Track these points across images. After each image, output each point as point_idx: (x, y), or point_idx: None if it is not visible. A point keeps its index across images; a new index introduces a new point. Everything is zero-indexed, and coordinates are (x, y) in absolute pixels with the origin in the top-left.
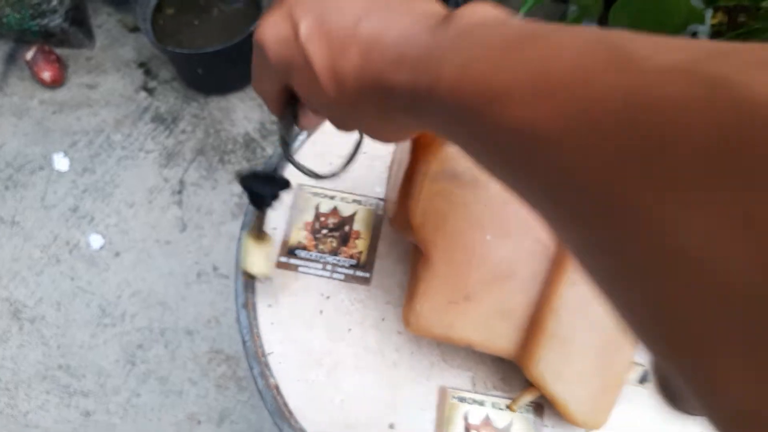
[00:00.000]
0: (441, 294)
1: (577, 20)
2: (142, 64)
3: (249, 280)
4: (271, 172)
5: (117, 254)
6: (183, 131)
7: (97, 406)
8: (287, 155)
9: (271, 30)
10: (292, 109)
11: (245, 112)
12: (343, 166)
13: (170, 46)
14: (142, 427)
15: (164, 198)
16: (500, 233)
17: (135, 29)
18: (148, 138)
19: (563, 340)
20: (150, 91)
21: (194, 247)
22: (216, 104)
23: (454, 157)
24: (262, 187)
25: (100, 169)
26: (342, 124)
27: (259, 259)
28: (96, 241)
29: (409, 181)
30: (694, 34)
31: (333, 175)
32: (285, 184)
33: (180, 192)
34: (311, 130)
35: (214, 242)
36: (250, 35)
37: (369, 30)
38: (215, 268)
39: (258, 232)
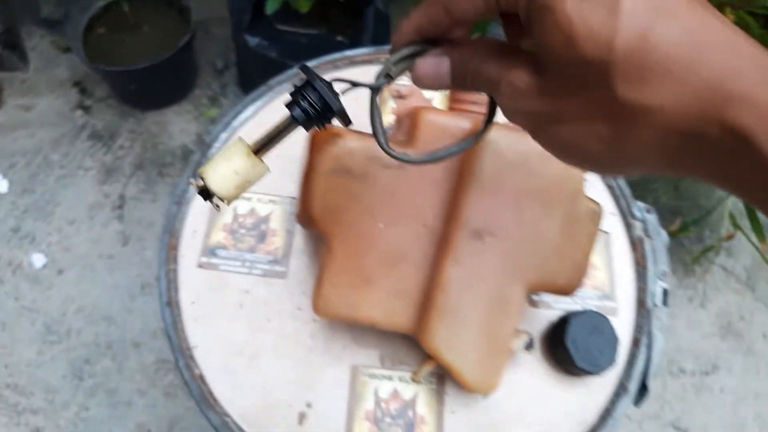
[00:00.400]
0: (343, 279)
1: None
2: (77, 84)
3: (199, 194)
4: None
5: (60, 272)
6: (121, 147)
7: (46, 423)
8: (374, 106)
9: None
10: (422, 48)
11: (181, 125)
12: (439, 156)
13: (102, 64)
14: None
15: (105, 213)
16: (390, 221)
17: (69, 50)
18: (86, 155)
19: (452, 313)
20: (86, 110)
21: (137, 259)
22: (152, 119)
23: (345, 154)
24: (330, 97)
25: (39, 189)
26: (535, 121)
27: (233, 177)
28: (38, 260)
29: (307, 178)
30: None
31: (413, 161)
32: (346, 117)
33: (120, 207)
34: (424, 85)
35: (157, 254)
36: (180, 50)
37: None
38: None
39: (261, 146)
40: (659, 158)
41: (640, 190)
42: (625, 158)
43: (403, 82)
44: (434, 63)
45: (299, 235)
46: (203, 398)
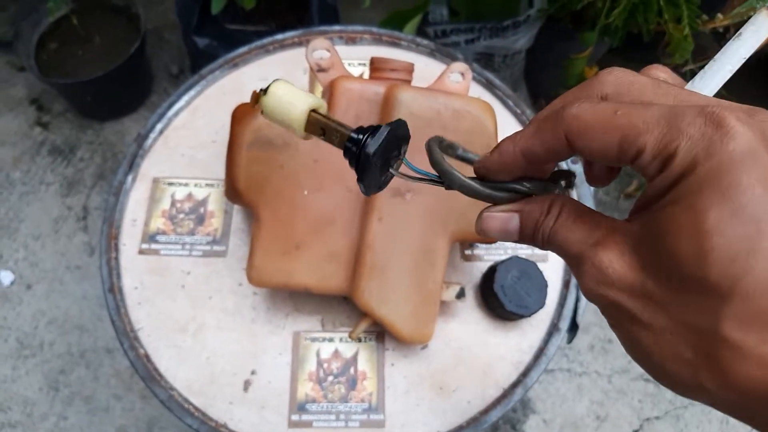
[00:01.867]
0: (274, 247)
1: (425, 4)
2: (34, 101)
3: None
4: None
5: (29, 287)
6: (81, 159)
7: None
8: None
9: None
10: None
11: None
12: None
13: (56, 78)
14: None
15: (69, 226)
16: (315, 187)
17: (24, 68)
18: (47, 171)
19: (381, 269)
20: (44, 126)
21: None
22: (111, 129)
23: (265, 126)
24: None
25: (2, 208)
26: (613, 311)
27: (284, 104)
28: (6, 277)
29: (230, 152)
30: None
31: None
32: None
33: (84, 218)
34: (489, 236)
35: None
36: (132, 57)
37: None
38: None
39: (320, 118)
40: (735, 401)
41: None
42: (698, 387)
43: (321, 54)
44: (503, 220)
45: (237, 215)
46: (149, 375)
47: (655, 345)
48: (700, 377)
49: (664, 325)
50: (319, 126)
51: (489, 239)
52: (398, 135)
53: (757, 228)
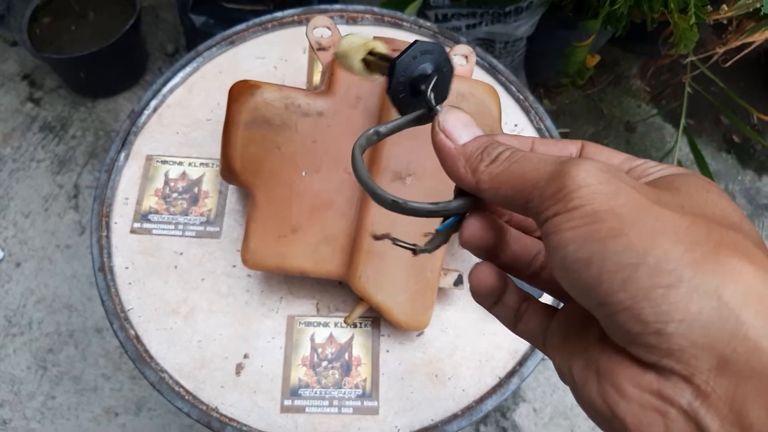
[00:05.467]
0: (270, 229)
1: None
2: (26, 76)
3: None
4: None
5: (18, 265)
6: (73, 137)
7: (13, 414)
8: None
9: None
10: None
11: None
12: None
13: (49, 53)
14: (60, 428)
15: (60, 204)
16: (313, 169)
17: (16, 44)
18: (38, 147)
19: (378, 255)
20: (36, 102)
21: None
22: (104, 107)
23: (263, 105)
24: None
25: None
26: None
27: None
28: None
29: (226, 131)
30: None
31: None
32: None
33: (75, 196)
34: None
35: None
36: (126, 34)
37: None
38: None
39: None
40: None
41: None
42: None
43: (322, 32)
44: (482, 233)
45: (232, 195)
46: (139, 357)
47: None
48: None
49: None
50: (372, 64)
51: None
52: (431, 55)
53: None
